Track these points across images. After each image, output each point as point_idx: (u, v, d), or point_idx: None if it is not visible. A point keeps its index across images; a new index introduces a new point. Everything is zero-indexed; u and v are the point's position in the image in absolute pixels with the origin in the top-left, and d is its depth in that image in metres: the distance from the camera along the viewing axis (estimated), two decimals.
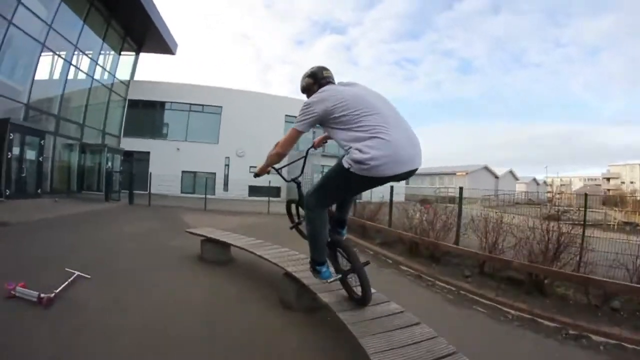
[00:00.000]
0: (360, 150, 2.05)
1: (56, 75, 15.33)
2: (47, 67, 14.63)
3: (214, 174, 21.86)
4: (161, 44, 21.26)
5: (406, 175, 2.19)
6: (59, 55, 15.01)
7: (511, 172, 46.90)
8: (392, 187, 7.79)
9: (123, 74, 21.01)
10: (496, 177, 42.53)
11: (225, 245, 5.23)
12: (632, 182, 54.16)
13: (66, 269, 4.12)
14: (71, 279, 3.84)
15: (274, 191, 22.51)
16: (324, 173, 2.60)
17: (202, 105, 22.85)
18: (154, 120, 22.69)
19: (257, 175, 2.92)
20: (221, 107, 22.90)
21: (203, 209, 13.77)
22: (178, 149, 21.87)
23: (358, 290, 2.69)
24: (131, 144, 20.67)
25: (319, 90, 2.39)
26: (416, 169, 2.17)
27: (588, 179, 68.72)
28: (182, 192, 20.63)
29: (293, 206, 3.65)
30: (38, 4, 13.26)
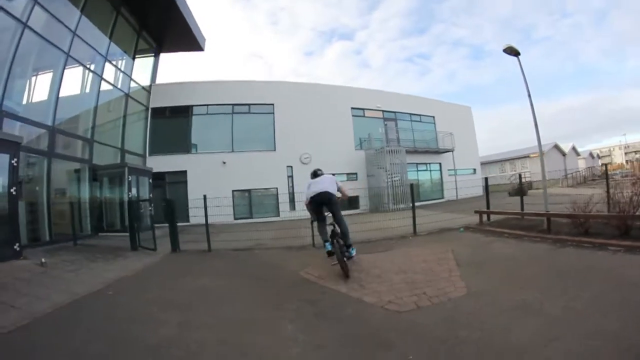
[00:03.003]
0: None
1: (45, 79, 10.06)
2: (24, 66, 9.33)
3: (275, 189, 16.29)
4: (188, 38, 15.90)
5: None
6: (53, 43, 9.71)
7: (574, 148, 41.13)
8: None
9: (141, 78, 15.68)
10: (564, 154, 36.83)
11: None
12: None
13: None
14: None
15: (352, 202, 16.86)
16: (338, 208, 5.43)
17: (249, 104, 17.10)
18: (186, 130, 16.70)
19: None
20: (272, 104, 17.26)
21: (310, 245, 7.57)
22: (224, 162, 16.10)
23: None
24: (161, 163, 15.26)
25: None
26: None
27: (626, 146, 64.65)
28: (235, 218, 14.95)
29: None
30: None
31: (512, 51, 7.86)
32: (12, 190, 6.93)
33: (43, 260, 6.60)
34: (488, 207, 9.34)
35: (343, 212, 5.59)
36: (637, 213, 5.63)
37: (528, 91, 7.85)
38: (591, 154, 49.08)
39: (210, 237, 7.88)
